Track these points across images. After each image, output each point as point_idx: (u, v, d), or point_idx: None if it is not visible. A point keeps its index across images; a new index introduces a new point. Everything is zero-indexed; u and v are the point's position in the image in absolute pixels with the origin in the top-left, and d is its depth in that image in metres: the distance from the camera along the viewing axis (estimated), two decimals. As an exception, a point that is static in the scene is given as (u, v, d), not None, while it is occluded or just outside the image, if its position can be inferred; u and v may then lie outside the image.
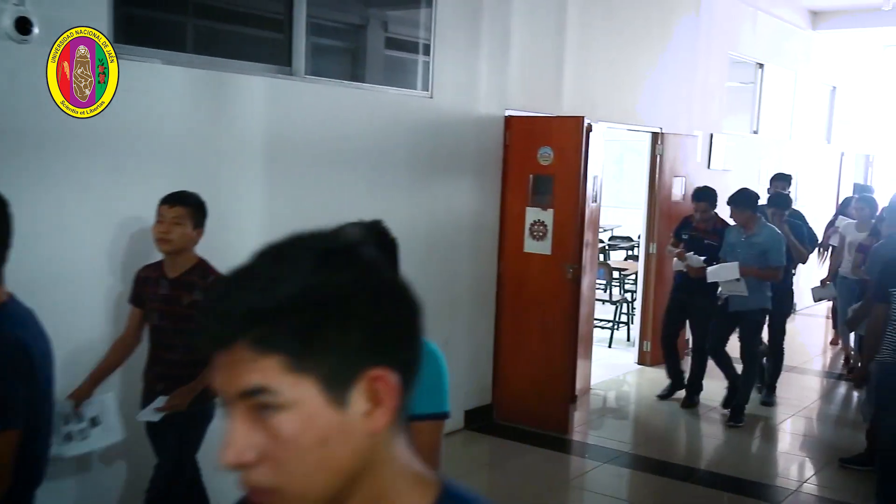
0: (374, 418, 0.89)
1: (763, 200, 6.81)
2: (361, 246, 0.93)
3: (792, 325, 10.41)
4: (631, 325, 9.10)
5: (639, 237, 9.01)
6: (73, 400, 3.50)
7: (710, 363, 6.74)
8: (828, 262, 8.60)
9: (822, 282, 8.02)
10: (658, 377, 7.17)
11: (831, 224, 9.09)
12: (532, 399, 6.16)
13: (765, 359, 7.07)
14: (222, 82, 4.28)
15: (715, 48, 9.08)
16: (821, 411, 7.13)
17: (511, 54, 6.15)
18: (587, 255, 6.75)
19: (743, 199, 6.31)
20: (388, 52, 5.88)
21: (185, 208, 3.51)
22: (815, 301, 8.45)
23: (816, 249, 9.60)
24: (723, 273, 6.19)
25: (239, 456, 0.86)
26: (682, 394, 6.96)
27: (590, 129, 6.32)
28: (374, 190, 5.19)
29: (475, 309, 6.13)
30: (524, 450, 5.81)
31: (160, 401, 3.51)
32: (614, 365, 8.12)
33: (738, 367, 6.65)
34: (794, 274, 7.21)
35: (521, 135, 6.15)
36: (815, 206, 11.49)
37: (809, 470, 5.84)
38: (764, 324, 6.62)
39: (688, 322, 6.97)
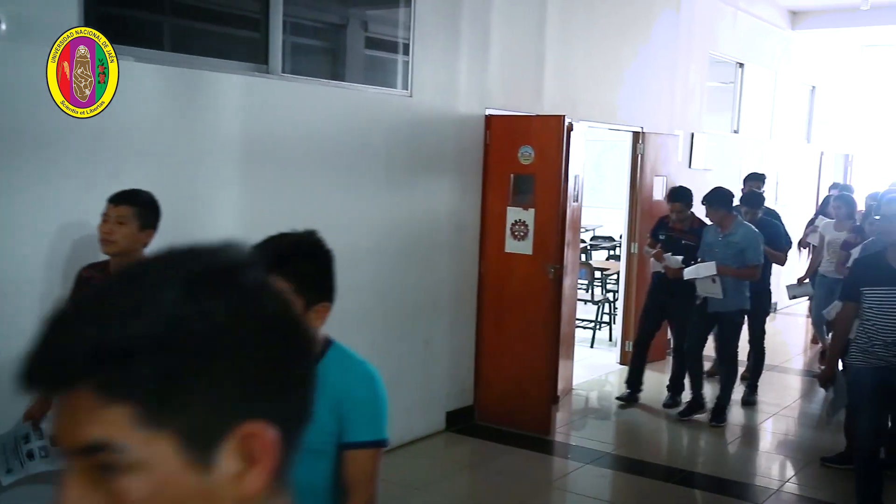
0: (247, 482, 0.74)
1: (737, 200, 6.79)
2: (246, 269, 0.77)
3: (772, 325, 10.44)
4: (613, 326, 9.09)
5: (620, 237, 9.00)
6: (31, 419, 3.41)
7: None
8: (807, 260, 8.63)
9: (799, 280, 8.05)
10: (644, 376, 7.14)
11: (811, 223, 9.12)
12: (514, 400, 6.12)
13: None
14: (197, 80, 4.21)
15: (695, 47, 9.09)
16: (802, 411, 7.14)
17: (491, 53, 6.11)
18: (569, 255, 6.72)
19: (717, 198, 6.26)
20: (368, 51, 5.83)
21: (132, 207, 3.36)
22: (790, 298, 8.48)
23: (797, 248, 9.65)
24: (700, 272, 6.16)
25: None
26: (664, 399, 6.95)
27: (571, 128, 6.30)
28: (353, 190, 5.14)
29: (456, 310, 6.09)
30: (506, 451, 5.77)
31: None
32: (596, 365, 8.10)
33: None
34: (771, 273, 7.21)
35: (502, 134, 6.11)
36: (795, 205, 11.56)
37: (791, 469, 5.84)
38: (742, 324, 6.60)
39: (668, 323, 6.95)
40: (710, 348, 6.76)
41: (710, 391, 6.70)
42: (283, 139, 4.67)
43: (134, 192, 3.42)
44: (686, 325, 6.54)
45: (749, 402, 7.04)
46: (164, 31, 4.52)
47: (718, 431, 6.39)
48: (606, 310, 9.29)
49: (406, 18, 5.53)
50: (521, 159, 6.03)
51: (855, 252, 6.03)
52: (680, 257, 6.37)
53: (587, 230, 11.38)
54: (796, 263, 9.98)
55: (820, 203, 10.35)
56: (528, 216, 6.04)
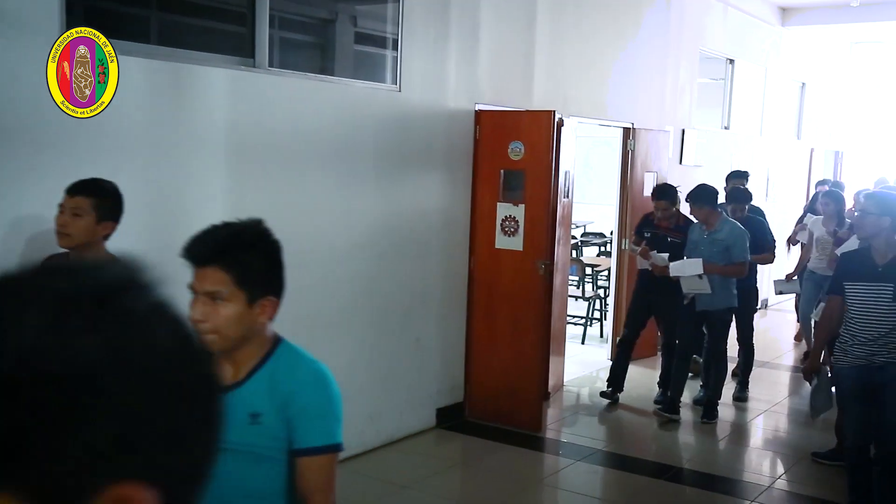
0: None
1: (721, 199, 6.75)
2: (133, 291, 0.63)
3: (763, 321, 10.46)
4: (604, 322, 9.07)
5: (611, 233, 8.98)
6: None
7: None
8: (796, 256, 8.63)
9: (788, 276, 8.04)
10: (633, 373, 7.12)
11: (800, 220, 9.12)
12: (504, 397, 6.09)
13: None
14: (182, 74, 4.16)
15: (686, 43, 9.07)
16: (792, 407, 7.13)
17: (481, 48, 6.07)
18: (559, 251, 6.69)
19: (701, 195, 6.19)
20: (358, 46, 5.78)
21: (88, 199, 3.20)
22: (777, 294, 8.47)
23: (786, 245, 9.65)
24: (686, 268, 6.11)
25: None
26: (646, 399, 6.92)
27: (561, 123, 6.26)
28: (341, 185, 5.09)
29: (446, 306, 6.05)
30: (496, 448, 5.74)
31: None
32: (587, 362, 8.08)
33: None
34: (757, 270, 7.19)
35: (492, 129, 6.07)
36: (786, 201, 11.57)
37: (782, 466, 5.82)
38: (731, 322, 6.57)
39: (655, 320, 6.89)
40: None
41: (685, 392, 6.68)
42: (270, 134, 4.62)
43: (92, 183, 3.28)
44: (674, 322, 6.49)
45: (740, 398, 7.03)
46: (150, 24, 4.46)
47: (709, 428, 6.37)
48: (597, 306, 9.27)
49: (395, 13, 5.49)
50: (511, 155, 5.99)
51: (847, 245, 6.02)
52: (666, 255, 6.30)
53: (578, 226, 11.36)
54: (785, 260, 9.99)
55: (809, 200, 10.33)
56: (519, 212, 6.00)
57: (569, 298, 7.57)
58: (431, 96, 5.72)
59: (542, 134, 5.91)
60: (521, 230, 5.99)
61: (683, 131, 9.13)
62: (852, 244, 5.48)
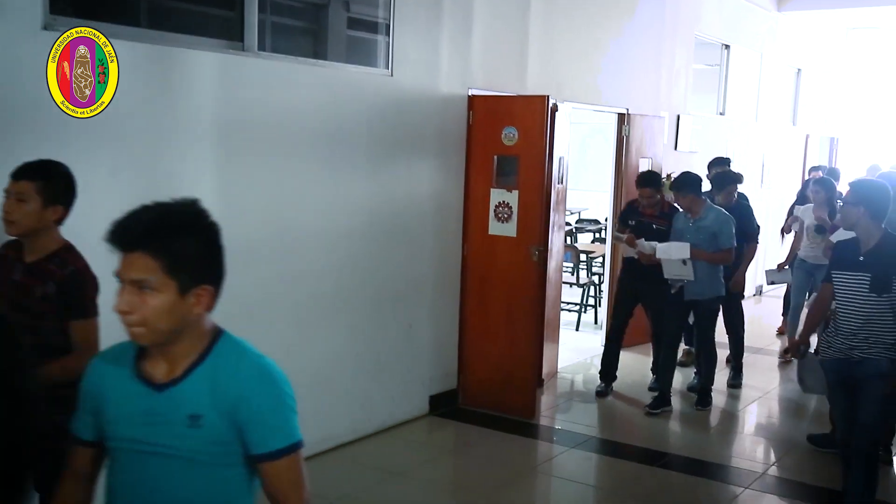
0: None
1: (706, 187, 6.69)
2: None
3: (756, 307, 10.46)
4: (598, 308, 9.05)
5: (606, 220, 8.95)
6: None
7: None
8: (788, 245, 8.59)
9: (779, 266, 8.01)
10: (626, 360, 7.10)
11: (791, 212, 9.06)
12: (498, 384, 6.06)
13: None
14: (170, 57, 4.10)
15: (681, 28, 9.01)
16: (786, 394, 7.12)
17: (474, 32, 6.01)
18: (553, 237, 6.65)
19: (685, 182, 6.12)
20: (351, 31, 5.71)
21: (32, 182, 2.97)
22: (769, 284, 8.43)
23: (779, 234, 9.61)
24: (673, 251, 6.06)
25: None
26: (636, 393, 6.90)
27: (555, 108, 6.21)
28: (333, 170, 5.04)
29: (439, 293, 6.01)
30: (490, 435, 5.72)
31: None
32: (582, 348, 8.07)
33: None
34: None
35: (485, 114, 6.02)
36: (781, 187, 11.54)
37: (776, 453, 5.81)
38: (719, 311, 6.54)
39: (643, 308, 6.81)
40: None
41: (680, 379, 6.64)
42: (259, 119, 4.57)
43: (38, 165, 3.05)
44: (661, 310, 6.42)
45: (734, 384, 7.02)
46: (139, 7, 4.39)
47: (703, 415, 6.36)
48: (592, 293, 9.24)
49: (387, -3, 5.42)
50: (504, 140, 5.94)
51: (838, 234, 5.98)
52: (654, 243, 6.23)
53: (572, 213, 11.32)
54: (778, 249, 9.96)
55: (800, 188, 10.25)
56: (512, 198, 5.96)
57: (563, 285, 7.54)
58: (424, 81, 5.66)
59: (536, 119, 5.86)
60: (514, 216, 5.95)
61: (678, 117, 9.09)
62: (842, 233, 5.46)
